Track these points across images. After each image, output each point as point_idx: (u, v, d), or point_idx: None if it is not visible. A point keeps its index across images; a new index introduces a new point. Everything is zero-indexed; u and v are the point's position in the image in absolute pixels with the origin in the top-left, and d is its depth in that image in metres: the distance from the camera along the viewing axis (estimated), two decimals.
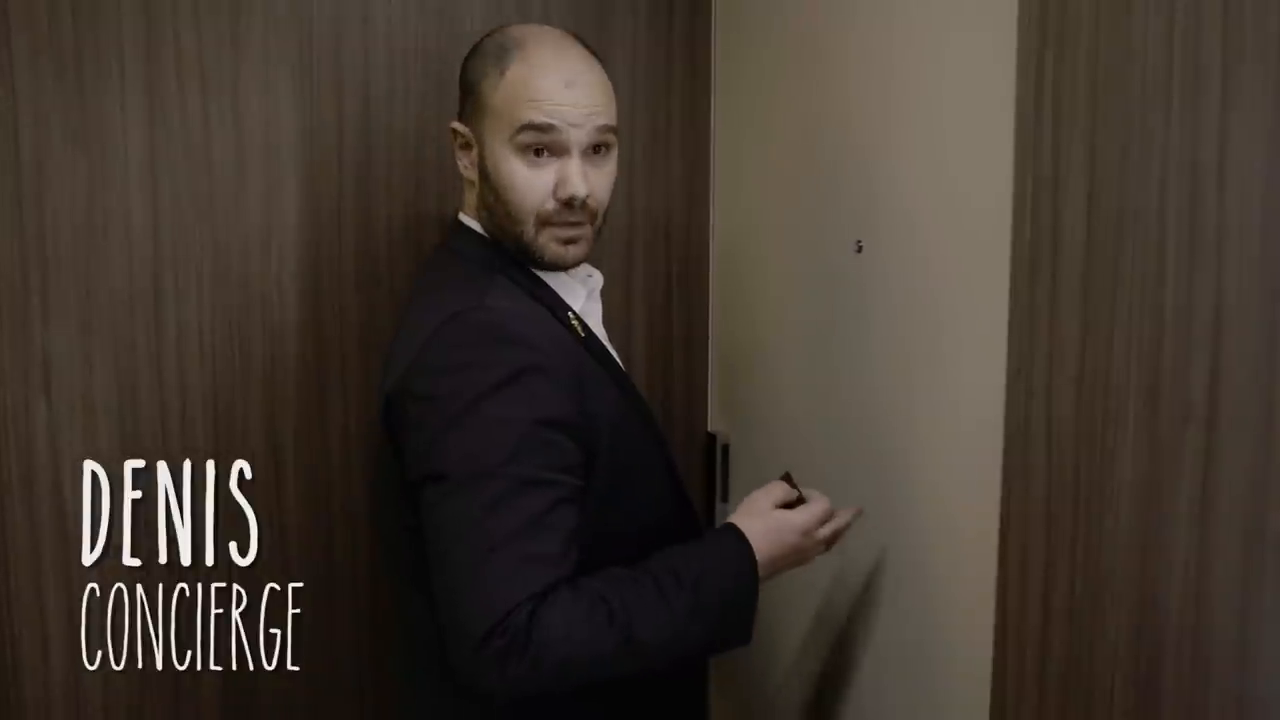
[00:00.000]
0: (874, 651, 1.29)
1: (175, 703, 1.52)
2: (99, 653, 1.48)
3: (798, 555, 1.15)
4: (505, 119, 1.13)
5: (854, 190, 1.30)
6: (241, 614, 1.54)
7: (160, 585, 1.50)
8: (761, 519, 1.14)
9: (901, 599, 1.22)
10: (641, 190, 1.68)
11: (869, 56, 1.26)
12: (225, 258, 1.49)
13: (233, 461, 1.51)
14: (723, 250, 1.71)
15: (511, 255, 1.18)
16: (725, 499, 1.70)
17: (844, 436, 1.34)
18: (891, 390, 1.23)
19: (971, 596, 1.05)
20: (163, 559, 1.49)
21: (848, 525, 1.20)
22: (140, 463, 1.47)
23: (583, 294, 1.23)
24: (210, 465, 1.50)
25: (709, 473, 1.73)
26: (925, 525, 1.17)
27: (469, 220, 1.22)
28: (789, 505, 1.17)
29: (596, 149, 1.15)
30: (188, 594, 1.51)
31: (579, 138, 1.13)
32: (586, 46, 1.18)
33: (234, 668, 1.53)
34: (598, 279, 1.28)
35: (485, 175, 1.16)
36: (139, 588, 1.49)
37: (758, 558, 1.11)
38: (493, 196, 1.16)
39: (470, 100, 1.18)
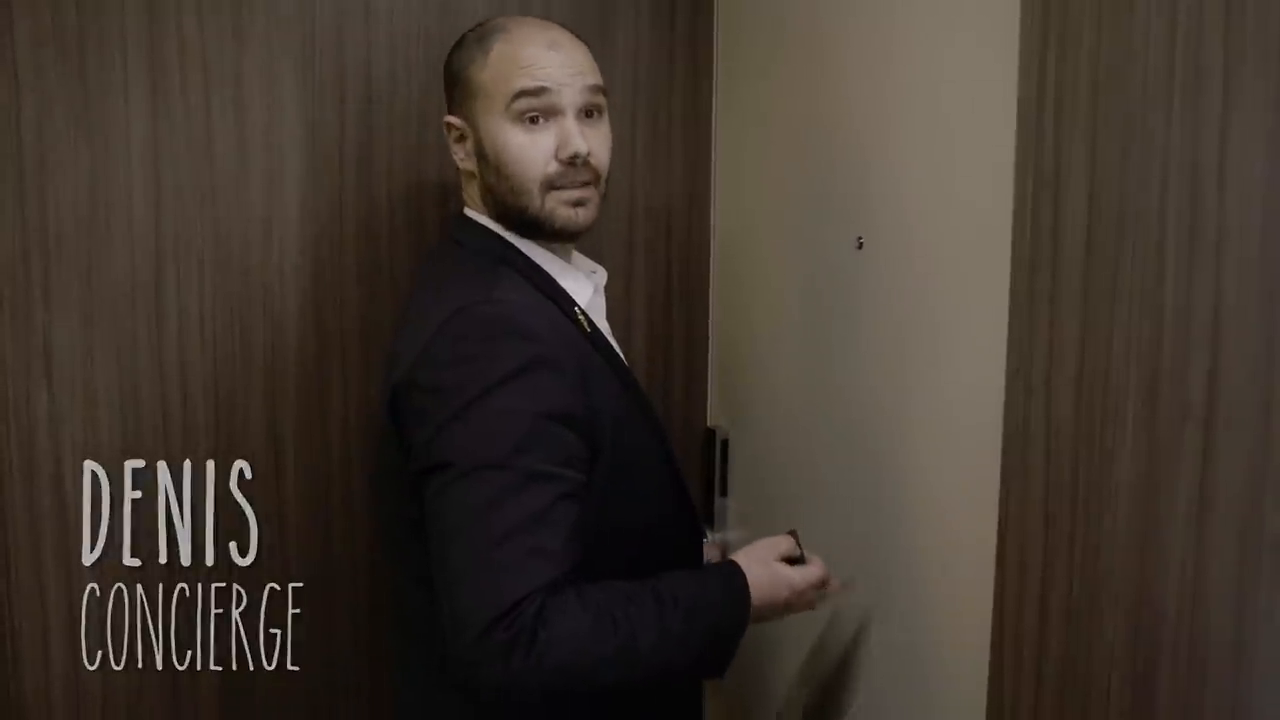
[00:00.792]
0: (871, 651, 1.29)
1: (174, 701, 1.53)
2: (99, 651, 1.49)
3: (784, 609, 1.18)
4: (497, 93, 1.15)
5: (855, 187, 1.30)
6: (241, 614, 1.54)
7: (160, 584, 1.50)
8: (764, 567, 1.16)
9: (898, 598, 1.22)
10: (643, 187, 1.68)
11: (871, 55, 1.25)
12: (227, 248, 1.49)
13: (233, 453, 1.52)
14: (723, 247, 1.71)
15: (519, 251, 1.19)
16: (724, 494, 1.71)
17: (843, 433, 1.35)
18: (891, 388, 1.23)
19: (969, 595, 1.05)
20: (163, 558, 1.50)
21: (832, 595, 1.23)
22: (140, 462, 1.47)
23: (589, 288, 1.23)
24: (210, 465, 1.51)
25: (708, 468, 1.73)
26: (923, 523, 1.17)
27: (473, 214, 1.23)
28: (789, 560, 1.20)
29: (589, 113, 1.18)
30: (188, 594, 1.52)
31: (571, 97, 1.15)
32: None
33: (234, 668, 1.54)
34: (602, 274, 1.28)
35: (484, 157, 1.17)
36: (139, 587, 1.49)
37: (753, 604, 1.13)
38: (494, 176, 1.17)
39: (458, 89, 1.20)
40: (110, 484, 1.47)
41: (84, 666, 1.48)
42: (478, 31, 1.20)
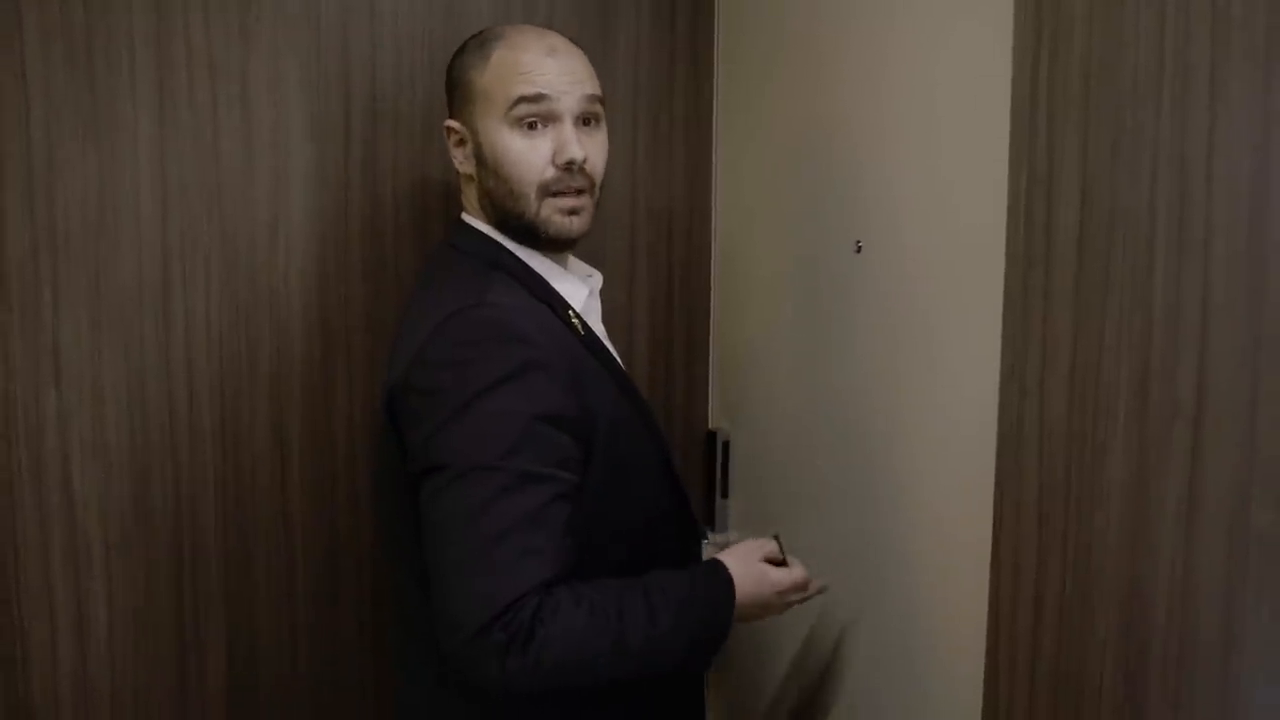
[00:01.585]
0: (867, 648, 1.29)
1: (182, 699, 1.54)
2: (106, 650, 1.50)
3: (764, 610, 1.20)
4: (496, 98, 1.16)
5: (853, 191, 1.30)
6: (247, 613, 1.55)
7: (164, 584, 1.51)
8: (749, 567, 1.19)
9: (896, 596, 1.23)
10: (644, 191, 1.68)
11: (869, 58, 1.26)
12: (233, 248, 1.50)
13: (239, 452, 1.53)
14: (724, 250, 1.72)
15: (513, 256, 1.20)
16: (725, 495, 1.71)
17: (842, 434, 1.35)
18: (889, 389, 1.23)
19: (965, 594, 1.05)
20: (168, 558, 1.51)
21: (810, 598, 1.25)
22: (148, 460, 1.49)
23: (584, 292, 1.24)
24: (218, 462, 1.52)
25: (709, 470, 1.73)
26: (920, 523, 1.17)
27: (471, 219, 1.24)
28: (772, 562, 1.22)
29: (587, 121, 1.19)
30: (194, 592, 1.53)
31: (569, 104, 1.16)
32: None
33: (240, 666, 1.55)
34: (598, 279, 1.29)
35: (483, 161, 1.19)
36: (144, 586, 1.50)
37: (738, 603, 1.15)
38: (492, 179, 1.18)
39: (459, 93, 1.22)
40: (118, 477, 1.48)
41: (92, 666, 1.49)
42: (479, 38, 1.22)
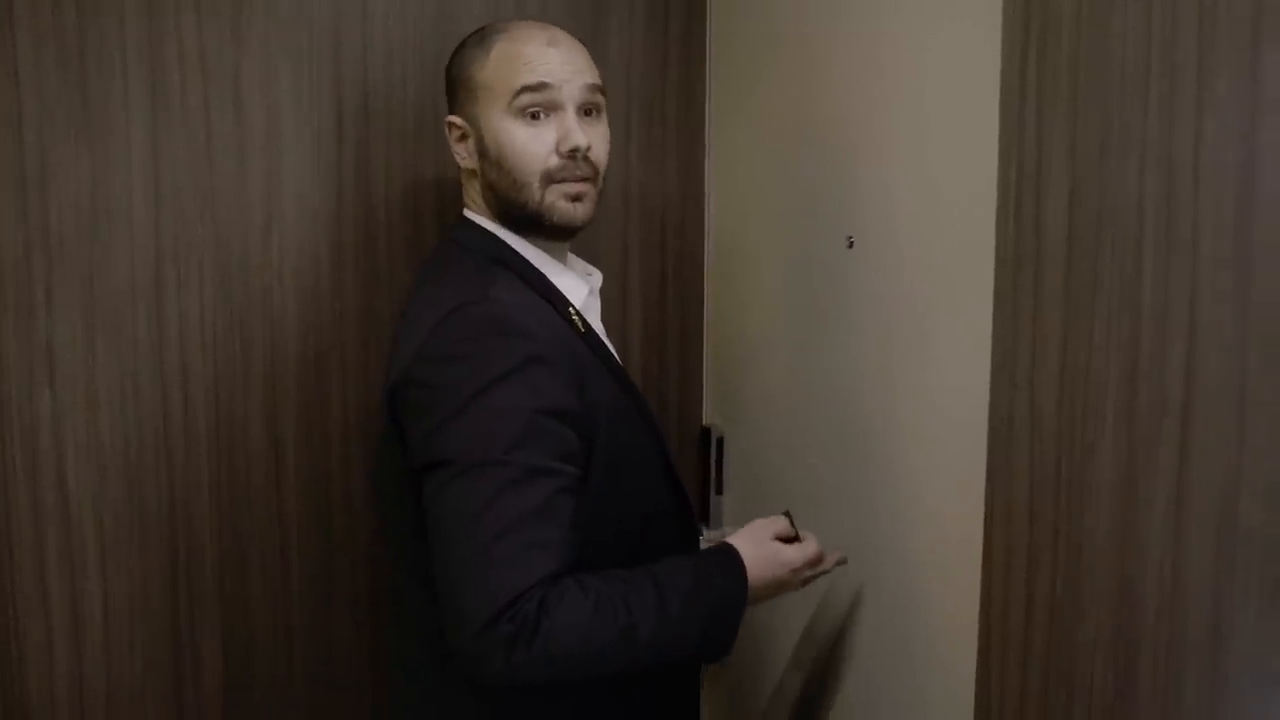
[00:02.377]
0: (861, 646, 1.30)
1: (178, 700, 1.54)
2: (102, 650, 1.50)
3: (779, 588, 1.19)
4: (499, 90, 1.17)
5: (845, 187, 1.31)
6: (243, 613, 1.55)
7: (163, 584, 1.52)
8: (760, 547, 1.18)
9: (889, 592, 1.23)
10: (638, 189, 1.69)
11: (860, 57, 1.26)
12: (226, 249, 1.50)
13: (234, 453, 1.53)
14: (718, 247, 1.72)
15: (514, 251, 1.20)
16: (720, 492, 1.71)
17: (835, 430, 1.35)
18: (881, 385, 1.24)
19: (957, 590, 1.05)
20: (165, 558, 1.51)
21: (827, 571, 1.24)
22: (142, 462, 1.49)
23: (584, 290, 1.24)
24: (213, 463, 1.52)
25: (704, 466, 1.74)
26: (913, 520, 1.18)
27: (472, 215, 1.24)
28: (784, 540, 1.21)
29: (588, 111, 1.20)
30: (190, 593, 1.53)
31: (571, 93, 1.17)
32: None
33: (236, 667, 1.56)
34: (598, 276, 1.29)
35: (486, 153, 1.19)
36: (141, 586, 1.50)
37: (750, 585, 1.14)
38: (496, 171, 1.18)
39: (460, 90, 1.22)
40: (114, 479, 1.48)
41: (87, 666, 1.49)
42: (479, 34, 1.23)
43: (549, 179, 1.17)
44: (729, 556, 1.15)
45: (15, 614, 1.46)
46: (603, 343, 1.23)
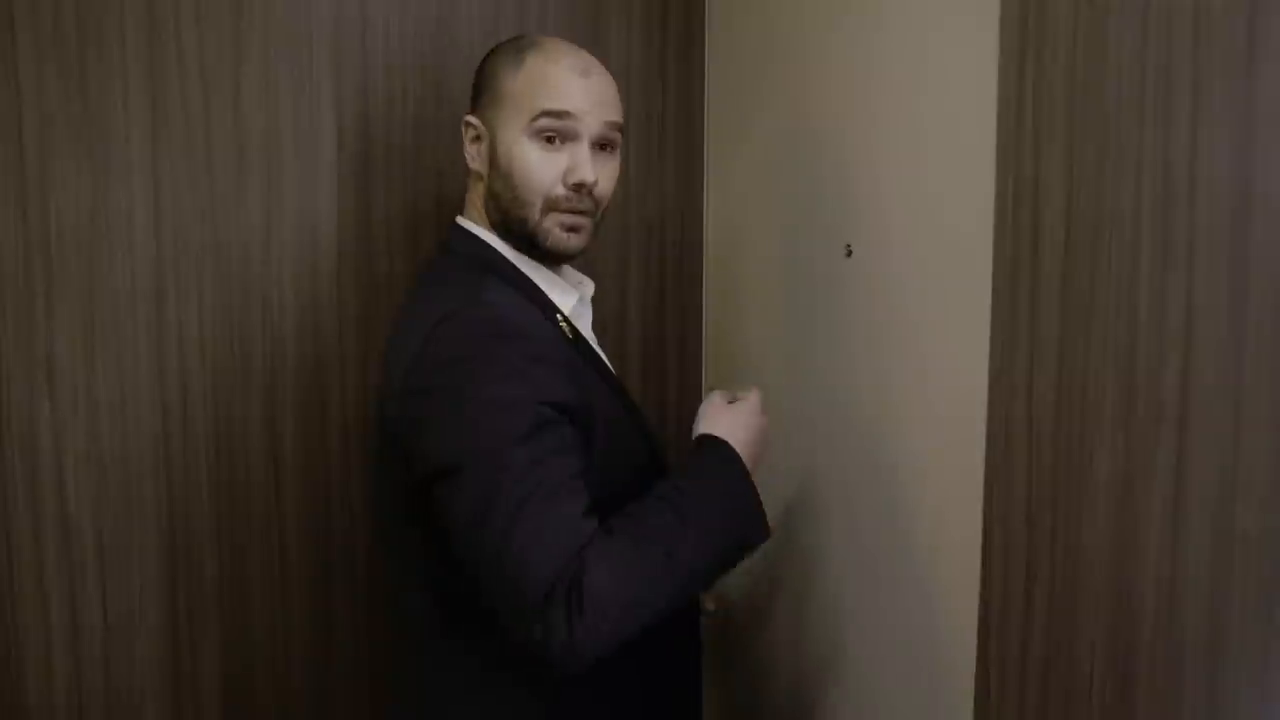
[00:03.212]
0: (863, 645, 1.30)
1: (177, 702, 1.54)
2: (101, 656, 1.50)
3: (761, 434, 1.21)
4: (523, 106, 1.17)
5: (844, 195, 1.32)
6: (242, 616, 1.56)
7: (161, 586, 1.52)
8: (728, 414, 1.20)
9: (888, 594, 1.24)
10: (636, 195, 1.70)
11: (858, 65, 1.28)
12: (226, 258, 1.51)
13: (233, 460, 1.54)
14: (716, 254, 1.73)
15: (505, 259, 1.21)
16: None
17: (834, 437, 1.36)
18: (880, 392, 1.25)
19: (957, 593, 1.06)
20: (163, 563, 1.51)
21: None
22: (144, 470, 1.49)
23: (573, 298, 1.25)
24: (212, 470, 1.52)
25: None
26: (913, 525, 1.19)
27: (466, 223, 1.25)
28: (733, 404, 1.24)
29: (604, 146, 1.20)
30: (189, 595, 1.53)
31: (591, 126, 1.17)
32: None
33: (235, 669, 1.56)
34: (589, 285, 1.30)
35: (495, 163, 1.19)
36: (140, 589, 1.51)
37: (740, 450, 1.15)
38: (502, 183, 1.19)
39: (487, 93, 1.22)
40: (112, 489, 1.48)
41: (86, 671, 1.49)
42: (516, 42, 1.22)
43: (550, 205, 1.18)
44: (717, 446, 1.16)
45: (14, 619, 1.46)
46: (594, 350, 1.23)
